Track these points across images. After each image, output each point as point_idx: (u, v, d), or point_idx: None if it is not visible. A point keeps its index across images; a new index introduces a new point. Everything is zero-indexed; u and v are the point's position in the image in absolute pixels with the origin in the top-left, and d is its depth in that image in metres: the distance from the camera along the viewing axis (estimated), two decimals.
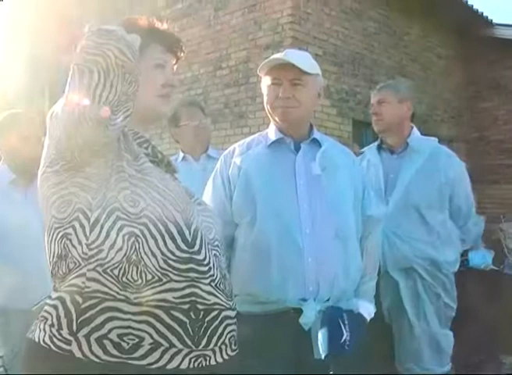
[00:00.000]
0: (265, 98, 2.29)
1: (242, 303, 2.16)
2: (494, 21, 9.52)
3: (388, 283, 2.99)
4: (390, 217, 2.93)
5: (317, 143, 2.31)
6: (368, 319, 2.30)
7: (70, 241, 1.35)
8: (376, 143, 3.29)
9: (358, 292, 2.28)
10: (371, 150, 3.30)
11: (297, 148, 2.28)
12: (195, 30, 8.01)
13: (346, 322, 1.81)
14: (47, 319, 1.34)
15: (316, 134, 2.33)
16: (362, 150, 3.41)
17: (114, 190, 1.36)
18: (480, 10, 9.17)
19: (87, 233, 1.34)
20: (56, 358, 1.29)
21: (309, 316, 2.05)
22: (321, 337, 1.82)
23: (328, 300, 2.12)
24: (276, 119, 2.27)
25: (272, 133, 2.32)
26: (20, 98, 7.20)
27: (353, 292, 2.26)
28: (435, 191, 3.02)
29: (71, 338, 1.28)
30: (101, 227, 1.33)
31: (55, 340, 1.30)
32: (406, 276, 2.97)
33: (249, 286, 2.15)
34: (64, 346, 1.29)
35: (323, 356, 1.80)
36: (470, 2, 8.89)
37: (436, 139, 3.24)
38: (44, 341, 1.32)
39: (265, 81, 2.28)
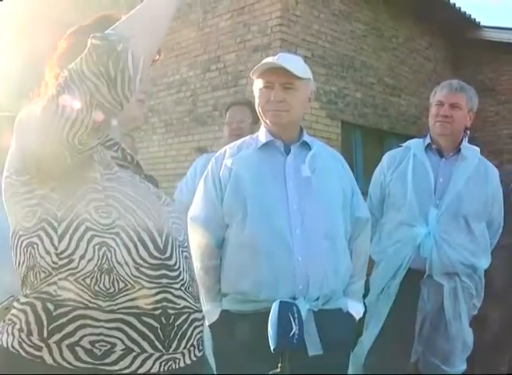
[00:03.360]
0: (257, 101, 2.32)
1: (232, 302, 2.20)
2: (482, 23, 9.58)
3: (431, 287, 3.02)
4: (440, 221, 2.97)
5: (307, 146, 2.34)
6: (357, 318, 2.34)
7: (36, 250, 1.33)
8: (424, 140, 3.24)
9: (347, 292, 2.32)
10: (417, 146, 3.23)
11: (287, 151, 2.31)
12: (184, 32, 8.02)
13: (295, 316, 1.83)
14: (15, 323, 1.32)
15: (306, 137, 2.36)
16: (405, 143, 3.35)
17: (83, 200, 1.34)
18: (468, 13, 9.24)
19: (56, 243, 1.32)
20: (26, 364, 1.28)
21: None
22: (270, 331, 1.84)
23: (317, 299, 2.15)
24: (267, 121, 2.31)
25: (262, 135, 2.35)
26: (11, 100, 7.17)
27: (342, 292, 2.29)
28: (482, 202, 3.06)
29: (42, 344, 1.27)
30: (70, 238, 1.31)
31: (24, 345, 1.28)
32: (448, 280, 3.00)
33: (240, 284, 2.18)
34: (34, 352, 1.27)
35: (272, 349, 1.82)
36: (458, 5, 8.94)
37: (478, 148, 3.21)
38: (12, 346, 1.30)
39: (257, 84, 2.31)
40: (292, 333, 1.78)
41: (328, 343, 2.06)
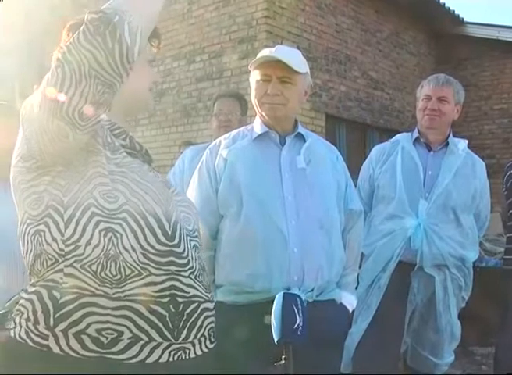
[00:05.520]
0: (253, 93, 2.31)
1: (227, 293, 2.19)
2: (465, 19, 9.64)
3: (421, 280, 3.06)
4: (429, 214, 3.01)
5: (301, 137, 2.35)
6: (351, 310, 2.35)
7: (43, 237, 1.33)
8: (412, 134, 3.26)
9: (341, 283, 2.33)
10: (405, 140, 3.25)
11: (282, 142, 2.31)
12: (169, 23, 7.96)
13: (299, 307, 1.82)
14: (22, 313, 1.32)
15: (301, 129, 2.37)
16: (394, 138, 3.37)
17: (89, 185, 1.33)
18: (452, 8, 9.28)
19: (62, 230, 1.31)
20: (32, 354, 1.27)
21: None
22: (274, 322, 1.83)
23: (312, 290, 2.15)
24: (263, 114, 2.30)
25: (257, 126, 2.34)
26: (4, 91, 7.10)
27: (336, 283, 2.30)
28: (470, 195, 3.09)
29: (48, 333, 1.26)
30: (77, 224, 1.31)
31: (31, 335, 1.28)
32: (438, 272, 3.04)
33: (235, 275, 2.17)
34: (41, 341, 1.27)
35: (276, 341, 1.81)
36: (442, 1, 8.98)
37: (466, 141, 3.25)
38: (20, 335, 1.30)
39: (254, 76, 2.30)
40: (296, 325, 1.77)
41: (322, 333, 2.07)
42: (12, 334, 1.31)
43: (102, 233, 1.31)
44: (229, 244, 2.20)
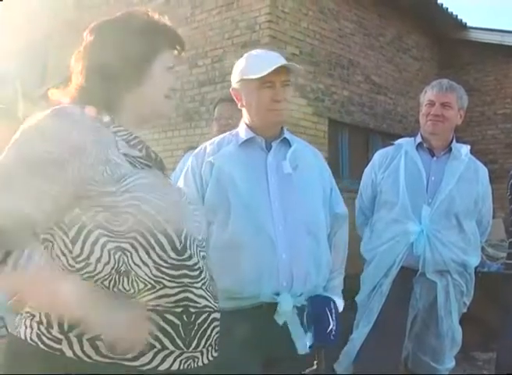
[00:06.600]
0: (255, 100, 2.23)
1: None
2: (468, 24, 9.64)
3: (423, 285, 3.06)
4: (432, 220, 3.01)
5: (287, 142, 2.33)
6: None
7: (52, 249, 1.34)
8: (415, 139, 3.24)
9: (328, 287, 2.31)
10: (408, 144, 3.25)
11: (268, 147, 2.29)
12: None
13: (333, 311, 1.79)
14: (33, 315, 1.32)
15: (286, 134, 2.34)
16: (396, 142, 3.36)
17: (91, 211, 1.32)
18: (455, 13, 9.29)
19: (70, 247, 1.32)
20: (44, 357, 1.28)
21: (285, 311, 2.08)
22: (306, 327, 1.80)
23: (301, 295, 2.14)
24: (268, 121, 2.26)
25: (242, 132, 2.32)
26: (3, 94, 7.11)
27: (323, 287, 2.29)
28: (473, 200, 3.09)
29: (61, 337, 1.27)
30: (83, 243, 1.31)
31: (43, 338, 1.29)
32: (440, 278, 3.04)
33: (223, 282, 2.11)
34: (53, 345, 1.27)
35: (308, 346, 1.78)
36: (445, 5, 8.99)
37: (469, 146, 3.24)
38: (31, 338, 1.30)
39: (251, 84, 2.22)
40: (329, 329, 1.74)
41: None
42: (23, 336, 1.32)
43: (112, 252, 1.31)
44: (217, 249, 2.15)
